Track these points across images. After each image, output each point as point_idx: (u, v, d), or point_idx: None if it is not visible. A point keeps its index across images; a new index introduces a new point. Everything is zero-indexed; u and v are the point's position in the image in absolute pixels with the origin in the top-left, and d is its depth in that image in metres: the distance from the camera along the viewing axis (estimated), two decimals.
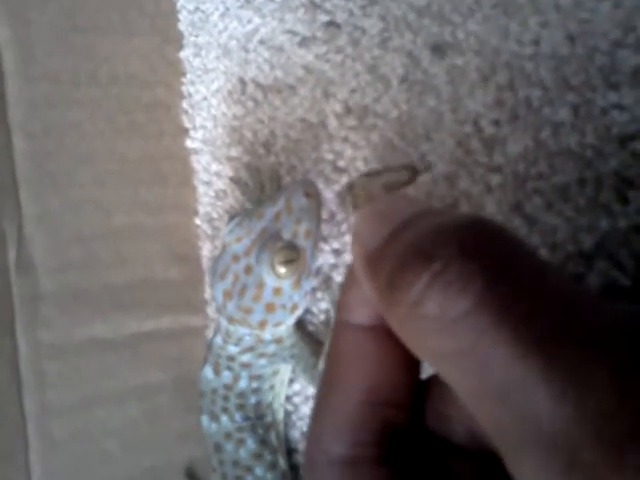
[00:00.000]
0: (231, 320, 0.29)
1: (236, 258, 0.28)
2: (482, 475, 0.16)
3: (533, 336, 0.11)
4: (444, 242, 0.13)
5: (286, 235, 0.27)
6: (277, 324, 0.29)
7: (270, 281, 0.28)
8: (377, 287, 0.14)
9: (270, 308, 0.28)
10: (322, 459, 0.16)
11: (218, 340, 0.31)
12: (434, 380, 0.17)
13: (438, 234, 0.13)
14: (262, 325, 0.29)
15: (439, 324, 0.12)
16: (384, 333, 0.16)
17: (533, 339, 0.11)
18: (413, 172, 0.18)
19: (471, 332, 0.12)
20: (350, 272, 0.17)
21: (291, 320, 0.29)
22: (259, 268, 0.28)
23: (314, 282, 0.30)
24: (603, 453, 0.10)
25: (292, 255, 0.27)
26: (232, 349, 0.31)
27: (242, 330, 0.30)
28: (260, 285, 0.28)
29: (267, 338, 0.31)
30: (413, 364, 0.17)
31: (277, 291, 0.28)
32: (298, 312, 0.29)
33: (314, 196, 0.28)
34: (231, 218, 0.29)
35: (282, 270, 0.27)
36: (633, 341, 0.11)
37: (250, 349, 0.31)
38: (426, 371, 0.17)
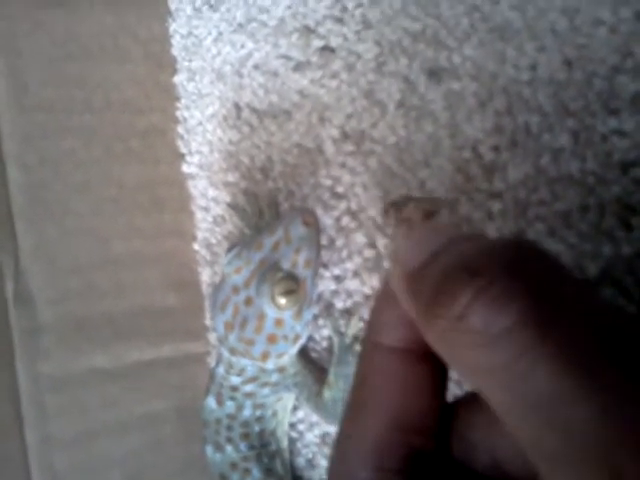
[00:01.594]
0: (233, 352, 0.29)
1: (236, 290, 0.28)
2: None
3: (575, 354, 0.12)
4: (489, 260, 0.13)
5: (285, 265, 0.27)
6: (280, 355, 0.29)
7: (271, 312, 0.27)
8: (418, 304, 0.15)
9: (272, 339, 0.28)
10: None
11: (220, 370, 0.31)
12: (460, 404, 0.17)
13: (483, 253, 0.14)
14: (264, 357, 0.28)
15: (482, 339, 0.13)
16: (414, 357, 0.16)
17: (575, 357, 0.12)
18: (443, 203, 0.18)
19: (514, 347, 0.12)
20: (381, 294, 0.17)
21: (294, 350, 0.29)
22: (259, 300, 0.27)
23: (315, 310, 0.30)
24: None
25: (292, 286, 0.27)
26: (235, 379, 0.31)
27: (244, 361, 0.29)
28: (261, 317, 0.28)
29: (270, 367, 0.30)
30: (440, 389, 0.17)
31: (278, 322, 0.28)
32: (301, 342, 0.29)
33: (313, 224, 0.27)
34: (230, 248, 0.29)
35: (282, 301, 0.27)
36: None
37: (253, 379, 0.31)
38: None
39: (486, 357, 0.13)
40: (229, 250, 0.29)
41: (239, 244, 0.29)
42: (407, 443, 0.16)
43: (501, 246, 0.14)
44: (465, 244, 0.14)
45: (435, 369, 0.16)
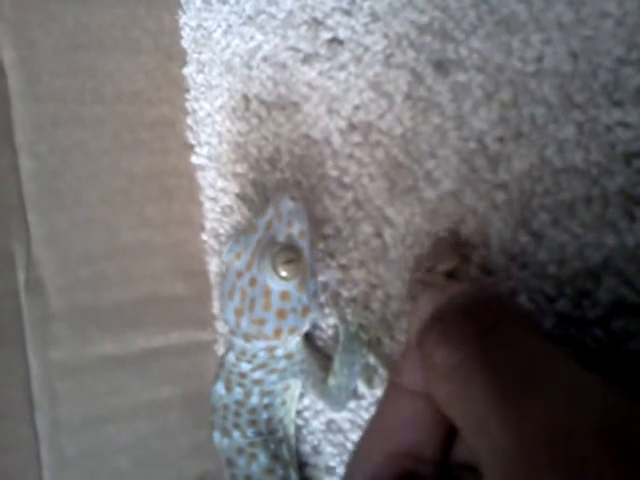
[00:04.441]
0: (247, 337, 0.30)
1: (239, 274, 0.29)
2: None
3: (504, 386, 0.15)
4: (454, 310, 0.18)
5: (281, 238, 0.28)
6: (292, 330, 0.29)
7: (275, 286, 0.28)
8: (419, 354, 0.19)
9: (281, 314, 0.29)
10: None
11: (231, 357, 0.32)
12: None
13: (451, 304, 0.19)
14: (277, 333, 0.29)
15: (443, 371, 0.17)
16: (422, 398, 0.20)
17: (503, 389, 0.15)
18: (462, 258, 0.24)
19: (463, 377, 0.16)
20: (407, 343, 0.21)
21: (305, 325, 0.30)
22: (262, 276, 0.28)
23: (318, 283, 0.30)
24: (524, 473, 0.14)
25: (291, 255, 0.28)
26: (245, 366, 0.31)
27: (258, 345, 0.30)
28: (267, 293, 0.28)
29: (279, 354, 0.31)
30: (445, 427, 0.20)
31: (284, 295, 0.28)
32: (310, 316, 0.29)
33: (299, 199, 0.28)
34: (227, 239, 0.30)
35: (284, 272, 0.28)
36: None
37: (262, 366, 0.31)
38: None
39: (446, 385, 0.17)
40: (227, 241, 0.30)
41: (235, 233, 0.30)
42: (401, 466, 0.20)
43: (464, 298, 0.19)
44: (449, 306, 0.19)
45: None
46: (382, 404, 0.22)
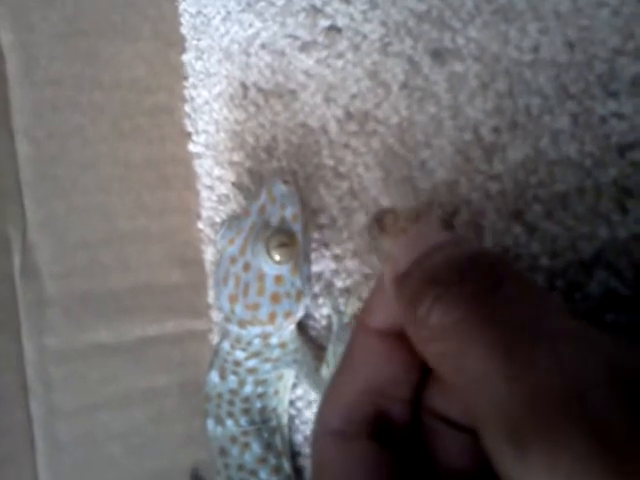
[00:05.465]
0: (242, 323, 0.29)
1: (233, 260, 0.29)
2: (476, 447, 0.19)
3: (509, 340, 0.15)
4: (449, 270, 0.17)
5: (274, 222, 0.28)
6: (287, 315, 0.29)
7: (269, 270, 0.28)
8: (400, 304, 0.18)
9: (275, 298, 0.29)
10: (321, 430, 0.20)
11: (225, 346, 0.32)
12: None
13: (447, 264, 0.17)
14: (272, 318, 0.29)
15: (438, 333, 0.16)
16: (391, 337, 0.20)
17: (508, 343, 0.15)
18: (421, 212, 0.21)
19: (461, 335, 0.16)
20: (378, 281, 0.21)
21: (299, 310, 0.30)
22: (256, 260, 0.28)
23: (311, 268, 0.30)
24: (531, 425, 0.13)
25: (284, 238, 0.28)
26: (239, 354, 0.31)
27: (253, 331, 0.30)
28: (261, 277, 0.28)
29: (273, 342, 0.31)
30: (416, 366, 0.20)
31: (278, 279, 0.28)
32: (304, 300, 0.29)
33: (291, 183, 0.29)
34: (221, 225, 0.30)
35: (278, 256, 0.28)
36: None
37: (257, 354, 0.31)
38: None
39: (442, 346, 0.16)
40: (220, 227, 0.30)
41: (228, 218, 0.30)
42: (375, 404, 0.20)
43: (462, 256, 0.17)
44: (439, 254, 0.18)
45: (411, 350, 0.19)
46: (351, 345, 0.21)
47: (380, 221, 0.20)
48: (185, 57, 0.39)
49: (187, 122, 0.39)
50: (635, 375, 0.13)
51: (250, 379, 0.32)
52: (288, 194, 0.28)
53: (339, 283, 0.31)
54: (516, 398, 0.14)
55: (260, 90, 0.35)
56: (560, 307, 0.16)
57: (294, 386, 0.34)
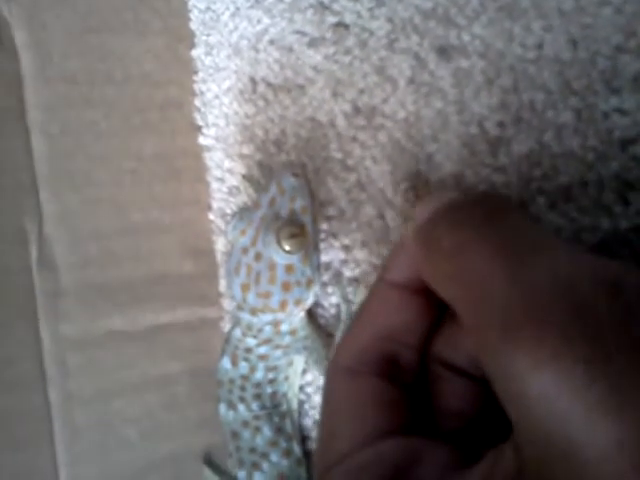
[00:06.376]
0: (254, 311, 0.30)
1: (245, 250, 0.30)
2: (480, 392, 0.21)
3: (511, 251, 0.17)
4: (464, 199, 0.20)
5: (284, 214, 0.29)
6: (297, 302, 0.30)
7: (280, 259, 0.29)
8: (419, 241, 0.20)
9: (286, 287, 0.29)
10: (334, 368, 0.22)
11: (237, 333, 0.33)
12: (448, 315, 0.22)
13: (465, 198, 0.20)
14: (283, 305, 0.30)
15: (448, 250, 0.18)
16: (408, 290, 0.21)
17: (510, 254, 0.16)
18: None
19: (469, 253, 0.17)
20: (396, 245, 0.23)
21: (309, 297, 0.30)
22: (267, 251, 0.29)
23: (320, 257, 0.31)
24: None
25: (295, 230, 0.28)
26: (250, 341, 0.32)
27: (265, 318, 0.31)
28: (272, 266, 0.29)
29: (284, 329, 0.32)
30: (427, 317, 0.22)
31: (289, 268, 0.29)
32: (314, 288, 0.30)
33: (301, 175, 0.30)
34: (232, 217, 0.31)
35: (289, 246, 0.28)
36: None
37: (268, 341, 0.32)
38: None
39: (447, 265, 0.18)
40: (232, 219, 0.31)
41: (239, 210, 0.30)
42: (385, 348, 0.21)
43: (475, 195, 0.21)
44: (451, 205, 0.19)
45: (426, 302, 0.21)
46: (369, 297, 0.23)
47: (415, 187, 0.23)
48: (195, 52, 0.40)
49: (197, 116, 0.40)
50: (617, 277, 0.15)
51: (261, 365, 0.33)
52: (297, 186, 0.29)
53: (348, 273, 0.32)
54: (515, 291, 0.15)
55: (269, 85, 0.35)
56: (559, 238, 0.18)
57: (304, 372, 0.35)
